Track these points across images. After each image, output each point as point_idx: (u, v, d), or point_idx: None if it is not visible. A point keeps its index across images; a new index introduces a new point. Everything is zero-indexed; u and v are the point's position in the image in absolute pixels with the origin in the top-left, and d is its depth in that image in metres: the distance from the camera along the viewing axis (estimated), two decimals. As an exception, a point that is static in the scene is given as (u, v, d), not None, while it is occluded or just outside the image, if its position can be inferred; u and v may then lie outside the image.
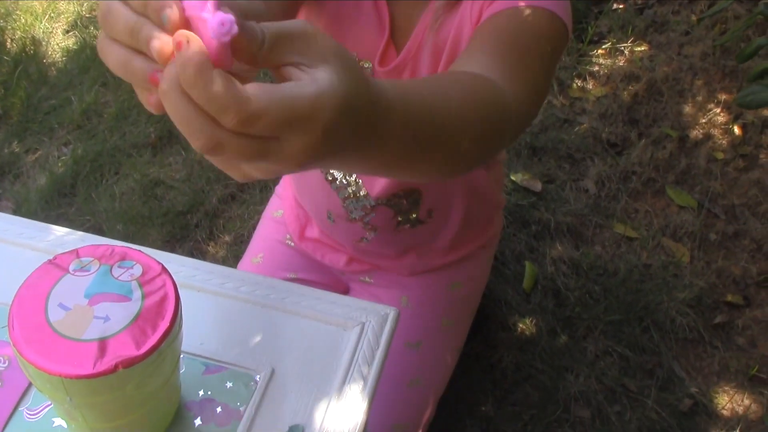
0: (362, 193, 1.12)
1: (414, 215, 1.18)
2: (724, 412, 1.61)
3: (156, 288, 0.60)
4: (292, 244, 1.35)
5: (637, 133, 2.20)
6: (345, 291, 1.39)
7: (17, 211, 1.93)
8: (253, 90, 0.40)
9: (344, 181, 1.13)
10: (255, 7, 0.67)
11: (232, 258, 1.87)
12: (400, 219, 1.18)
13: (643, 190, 2.06)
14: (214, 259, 1.88)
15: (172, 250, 1.88)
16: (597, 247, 1.94)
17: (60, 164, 2.08)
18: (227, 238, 1.93)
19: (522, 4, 0.80)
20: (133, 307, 0.58)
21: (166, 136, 2.13)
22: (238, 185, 2.04)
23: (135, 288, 0.60)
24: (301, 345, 0.79)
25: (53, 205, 1.98)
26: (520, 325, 1.76)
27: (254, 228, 1.91)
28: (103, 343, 0.55)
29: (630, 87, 2.32)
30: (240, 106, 0.39)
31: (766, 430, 1.57)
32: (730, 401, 1.63)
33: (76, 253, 0.62)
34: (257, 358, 0.77)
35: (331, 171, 1.13)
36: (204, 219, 1.96)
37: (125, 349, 0.55)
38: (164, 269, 0.62)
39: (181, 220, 1.94)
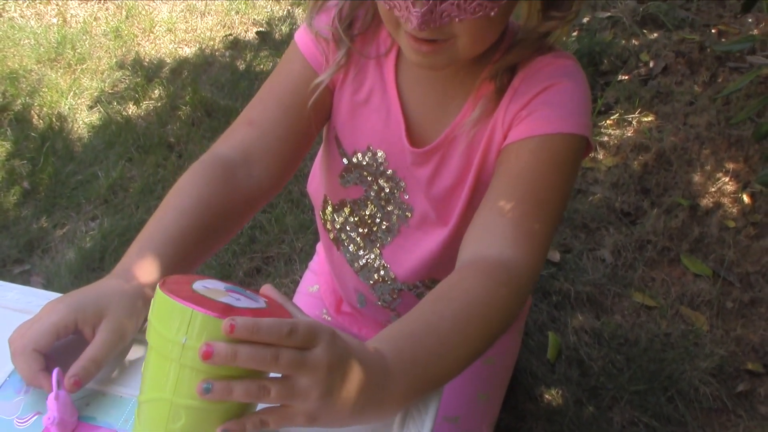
0: (391, 275, 1.13)
1: None
2: (753, 482, 1.63)
3: (279, 308, 0.66)
4: (329, 318, 1.36)
5: (649, 202, 2.26)
6: None
7: (48, 286, 1.96)
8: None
9: (373, 266, 1.14)
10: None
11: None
12: None
13: (659, 258, 2.11)
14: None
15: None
16: (617, 316, 1.97)
17: (88, 239, 2.12)
18: (254, 311, 1.95)
19: (548, 132, 0.85)
20: (260, 304, 0.64)
21: (192, 210, 2.17)
22: (263, 258, 2.08)
23: (260, 299, 0.66)
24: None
25: (82, 280, 2.01)
26: (547, 396, 1.78)
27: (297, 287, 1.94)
28: (231, 308, 0.60)
29: (640, 157, 2.38)
30: (284, 321, 0.59)
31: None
32: (757, 471, 1.65)
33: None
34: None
35: (360, 259, 1.15)
36: (231, 292, 1.98)
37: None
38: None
39: (210, 294, 1.96)
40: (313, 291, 1.42)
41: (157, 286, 0.62)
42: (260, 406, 0.64)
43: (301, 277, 1.49)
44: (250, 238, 2.15)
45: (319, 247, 1.43)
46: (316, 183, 1.16)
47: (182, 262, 0.83)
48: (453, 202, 0.99)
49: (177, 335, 0.58)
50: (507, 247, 0.81)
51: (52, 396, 0.72)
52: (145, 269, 0.80)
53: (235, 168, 0.91)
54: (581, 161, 0.91)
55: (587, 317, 1.96)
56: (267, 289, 0.70)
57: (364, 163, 1.02)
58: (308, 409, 0.62)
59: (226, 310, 0.60)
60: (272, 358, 0.58)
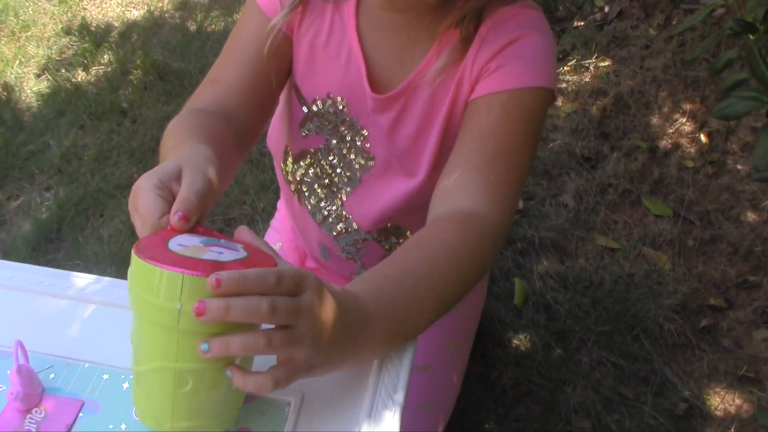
0: (354, 226, 1.13)
1: None
2: (718, 413, 1.67)
3: (262, 255, 0.64)
4: None
5: (609, 146, 2.27)
6: None
7: (6, 259, 1.91)
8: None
9: (335, 216, 1.14)
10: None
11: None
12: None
13: (620, 201, 2.13)
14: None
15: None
16: (581, 260, 1.99)
17: (44, 210, 2.07)
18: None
19: (518, 87, 0.86)
20: (241, 254, 0.62)
21: (149, 175, 2.13)
22: (224, 220, 2.06)
23: (239, 247, 0.64)
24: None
25: (41, 251, 1.97)
26: (515, 341, 1.80)
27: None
28: (219, 264, 0.58)
29: (598, 102, 2.39)
30: (269, 270, 0.57)
31: (759, 428, 1.63)
32: (722, 402, 1.68)
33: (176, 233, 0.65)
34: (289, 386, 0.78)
35: (322, 211, 1.14)
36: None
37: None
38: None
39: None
40: (276, 249, 1.41)
41: (133, 252, 0.59)
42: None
43: (263, 237, 1.47)
44: (210, 201, 2.11)
45: (281, 205, 1.42)
46: (276, 135, 1.14)
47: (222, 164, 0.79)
48: (417, 152, 0.98)
49: (170, 302, 0.56)
50: (479, 201, 0.81)
51: (14, 369, 0.70)
52: (199, 147, 0.76)
53: (217, 116, 0.90)
54: (547, 112, 0.91)
55: (552, 262, 1.97)
56: (242, 232, 0.68)
57: (324, 110, 1.00)
58: (307, 357, 0.61)
59: (215, 266, 0.58)
60: (269, 307, 0.56)
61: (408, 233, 1.12)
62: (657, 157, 2.23)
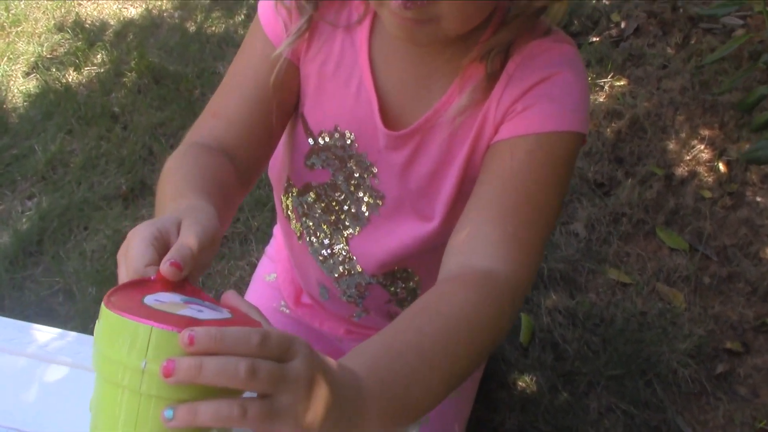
0: (358, 269, 1.04)
1: (405, 305, 1.10)
2: (734, 470, 1.57)
3: (246, 319, 0.59)
4: (288, 310, 1.26)
5: (623, 172, 2.16)
6: None
7: (-21, 274, 1.80)
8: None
9: (338, 257, 1.05)
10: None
11: (213, 319, 1.77)
12: (395, 306, 1.10)
13: (634, 232, 2.02)
14: (195, 320, 1.77)
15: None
16: (591, 294, 1.89)
17: (24, 220, 1.97)
18: (208, 297, 1.82)
19: (546, 131, 0.79)
20: (225, 315, 0.57)
21: (138, 187, 2.03)
22: (216, 238, 1.94)
23: (224, 310, 0.59)
24: None
25: (18, 266, 1.86)
26: (520, 383, 1.70)
27: (235, 285, 1.82)
28: (196, 321, 0.52)
29: (613, 124, 2.29)
30: (254, 330, 0.51)
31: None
32: (738, 457, 1.58)
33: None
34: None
35: (324, 250, 1.06)
36: (182, 277, 1.84)
37: None
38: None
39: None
40: (270, 280, 1.32)
41: (102, 303, 0.53)
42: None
43: (257, 260, 1.38)
44: (202, 217, 2.00)
45: (277, 231, 1.33)
46: (279, 165, 1.06)
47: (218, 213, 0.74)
48: (432, 194, 0.91)
49: (134, 359, 0.49)
50: (497, 259, 0.74)
51: None
52: (195, 199, 0.73)
53: (218, 152, 0.86)
54: (576, 159, 0.85)
55: (561, 296, 1.87)
56: (230, 296, 0.62)
57: (331, 144, 0.93)
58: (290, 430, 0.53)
59: (190, 323, 0.51)
60: (248, 369, 0.49)
61: (416, 278, 1.03)
62: (673, 186, 2.12)
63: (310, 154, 0.96)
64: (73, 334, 0.83)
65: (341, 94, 0.90)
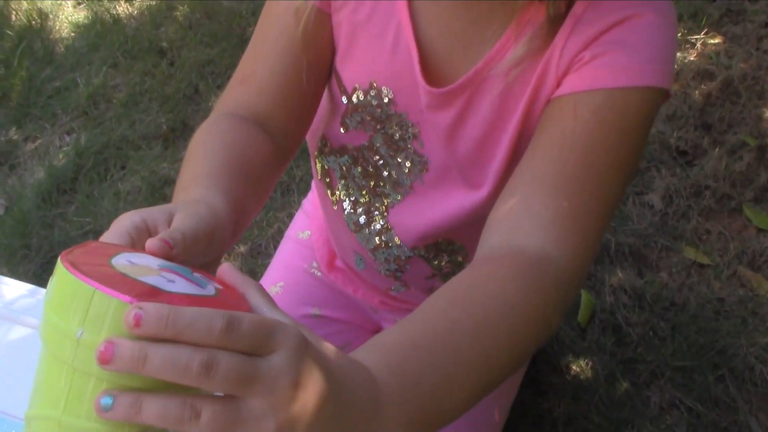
0: (396, 242, 0.93)
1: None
2: (813, 485, 1.38)
3: (236, 298, 0.49)
4: (319, 273, 1.15)
5: (710, 140, 1.94)
6: (377, 331, 1.20)
7: (10, 210, 1.73)
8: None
9: (374, 228, 0.94)
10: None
11: (247, 273, 1.66)
12: (440, 281, 0.98)
13: (717, 208, 1.81)
14: (227, 273, 1.67)
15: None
16: (663, 274, 1.70)
17: (61, 156, 1.89)
18: (242, 249, 1.72)
19: (620, 86, 0.67)
20: (204, 292, 0.47)
21: (180, 127, 1.92)
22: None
23: (210, 285, 0.49)
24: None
25: (51, 203, 1.78)
26: (574, 368, 1.54)
27: (273, 238, 1.70)
28: (157, 291, 0.44)
29: (703, 86, 2.06)
30: (220, 313, 0.41)
31: None
32: (819, 471, 1.40)
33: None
34: None
35: (359, 217, 0.95)
36: (217, 226, 1.74)
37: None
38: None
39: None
40: (303, 238, 1.20)
41: (60, 256, 0.45)
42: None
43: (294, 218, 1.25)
44: (244, 163, 1.89)
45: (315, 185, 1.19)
46: (314, 125, 0.95)
47: (238, 203, 0.67)
48: (484, 160, 0.80)
49: (69, 325, 0.41)
50: (548, 240, 0.64)
51: None
52: (207, 195, 0.64)
53: (249, 123, 0.78)
54: (654, 118, 0.72)
55: (628, 274, 1.69)
56: (226, 270, 0.52)
57: (366, 102, 0.82)
58: None
59: (149, 293, 0.43)
60: (203, 365, 0.39)
61: (464, 251, 0.93)
62: (766, 158, 1.89)
63: (345, 114, 0.85)
64: (44, 290, 0.72)
65: (376, 46, 0.79)
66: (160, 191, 1.78)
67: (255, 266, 1.67)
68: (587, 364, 1.54)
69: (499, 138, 0.77)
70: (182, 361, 0.39)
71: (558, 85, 0.71)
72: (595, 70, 0.68)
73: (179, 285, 0.47)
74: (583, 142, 0.67)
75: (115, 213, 1.74)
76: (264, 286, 1.23)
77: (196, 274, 0.51)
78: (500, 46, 0.72)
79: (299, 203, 1.77)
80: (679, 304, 1.63)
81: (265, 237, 1.74)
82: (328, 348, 0.48)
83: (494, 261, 0.64)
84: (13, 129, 1.96)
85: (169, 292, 0.44)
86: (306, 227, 1.20)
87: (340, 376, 0.46)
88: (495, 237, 0.67)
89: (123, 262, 0.47)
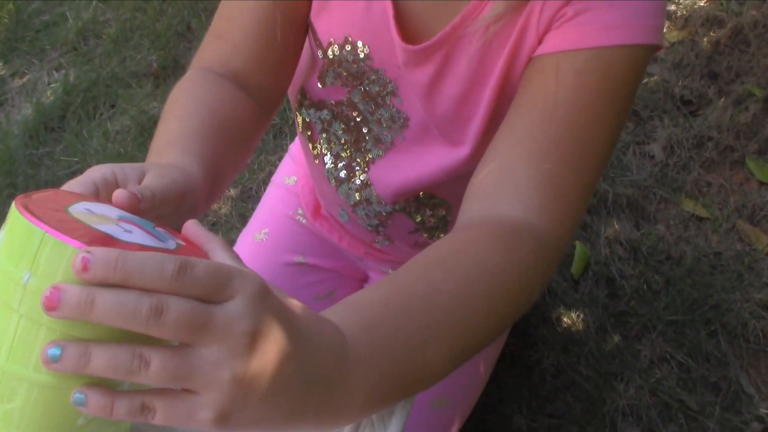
0: (375, 197, 0.91)
1: (441, 234, 0.94)
2: (800, 442, 1.37)
3: (197, 254, 0.48)
4: (304, 221, 1.13)
5: (716, 89, 1.88)
6: (363, 280, 1.18)
7: (-2, 147, 1.70)
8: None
9: (354, 183, 0.92)
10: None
11: (236, 217, 1.64)
12: (424, 235, 0.95)
13: (720, 159, 1.77)
14: (217, 217, 1.65)
15: (169, 204, 1.64)
16: (660, 226, 1.66)
17: (49, 93, 1.84)
18: (232, 193, 1.69)
19: (605, 45, 0.63)
20: (164, 245, 0.46)
21: (171, 65, 1.86)
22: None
23: (172, 240, 0.48)
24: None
25: (38, 141, 1.74)
26: (565, 320, 1.52)
27: (264, 182, 1.67)
28: (111, 239, 0.42)
29: (711, 33, 1.99)
30: (172, 257, 0.39)
31: None
32: (808, 428, 1.39)
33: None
34: None
35: (339, 172, 0.92)
36: (207, 168, 1.70)
37: None
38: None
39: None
40: (290, 184, 1.18)
41: (15, 199, 0.44)
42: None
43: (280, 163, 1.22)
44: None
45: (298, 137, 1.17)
46: (295, 76, 0.91)
47: (214, 175, 0.66)
48: (464, 118, 0.77)
49: (17, 268, 0.40)
50: (530, 208, 0.62)
51: None
52: (182, 160, 0.63)
53: (226, 81, 0.76)
54: (643, 75, 0.69)
55: (625, 225, 1.66)
56: (189, 226, 0.52)
57: (342, 58, 0.79)
58: (216, 400, 0.40)
59: (103, 241, 0.41)
60: (152, 309, 0.38)
61: (447, 205, 0.91)
62: (773, 110, 1.84)
63: (322, 69, 0.83)
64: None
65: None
66: (149, 131, 1.74)
67: (245, 210, 1.64)
68: (578, 316, 1.52)
69: (479, 96, 0.74)
70: (130, 305, 0.38)
71: (539, 42, 0.67)
72: (578, 28, 0.64)
73: (136, 236, 0.45)
74: (566, 105, 0.63)
75: (104, 153, 1.70)
76: (249, 233, 1.20)
77: (159, 229, 0.49)
78: (477, 2, 0.69)
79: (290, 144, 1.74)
80: (675, 257, 1.60)
81: (255, 181, 1.71)
82: (293, 302, 0.46)
83: (474, 228, 0.62)
84: (0, 64, 1.91)
85: (124, 242, 0.43)
86: (292, 173, 1.17)
87: (305, 330, 0.44)
88: (476, 206, 0.64)
89: (80, 210, 0.45)
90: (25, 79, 1.89)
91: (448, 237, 0.61)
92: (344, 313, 0.50)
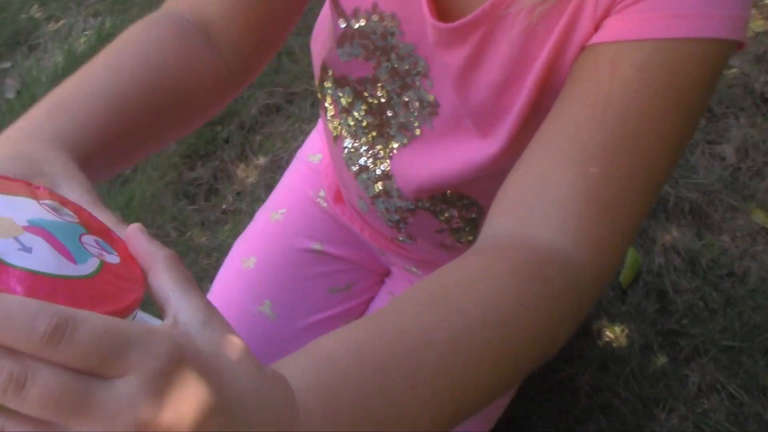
0: (396, 191, 0.83)
1: (470, 238, 0.84)
2: None
3: (126, 280, 0.39)
4: (325, 204, 1.05)
5: (802, 88, 1.72)
6: (384, 274, 1.09)
7: (21, 93, 1.63)
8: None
9: (374, 172, 0.83)
10: None
11: (263, 188, 1.55)
12: (451, 237, 0.87)
13: (799, 168, 1.61)
14: (242, 186, 1.56)
15: (193, 169, 1.56)
16: (725, 237, 1.52)
17: (83, 40, 1.78)
18: (261, 161, 1.60)
19: (673, 36, 0.54)
20: (72, 269, 0.37)
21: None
22: (285, 94, 1.68)
23: (96, 258, 0.39)
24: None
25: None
26: (607, 333, 1.40)
27: (295, 153, 1.57)
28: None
29: (803, 24, 1.81)
30: (50, 310, 0.31)
31: None
32: None
33: (61, 197, 0.45)
34: None
35: (359, 159, 0.84)
36: (237, 133, 1.62)
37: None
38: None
39: (208, 131, 1.61)
40: (314, 162, 1.09)
41: None
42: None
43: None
44: (275, 67, 1.74)
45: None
46: (319, 42, 0.84)
47: (115, 141, 0.57)
48: (500, 109, 0.69)
49: None
50: (568, 230, 0.53)
51: None
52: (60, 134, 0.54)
53: (191, 31, 0.66)
54: (720, 76, 0.58)
55: (684, 233, 1.52)
56: (130, 235, 0.43)
57: (368, 29, 0.71)
58: None
59: None
60: (10, 379, 0.30)
61: (478, 206, 0.82)
62: None
63: (344, 39, 0.74)
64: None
65: None
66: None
67: (273, 182, 1.55)
68: (622, 330, 1.40)
69: (519, 86, 0.65)
70: None
71: (596, 28, 0.58)
72: (643, 14, 0.55)
73: (36, 255, 0.36)
74: (621, 105, 0.54)
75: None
76: (265, 211, 1.11)
77: (88, 238, 0.41)
78: None
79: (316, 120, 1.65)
80: (738, 274, 1.46)
81: (288, 150, 1.62)
82: (229, 358, 0.37)
83: (492, 252, 0.53)
84: (36, 6, 1.85)
85: (9, 266, 0.34)
86: (319, 150, 1.08)
87: (234, 408, 0.36)
88: (501, 221, 0.56)
89: None
90: (59, 24, 1.83)
91: (459, 262, 0.52)
92: (305, 361, 0.42)
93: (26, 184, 0.44)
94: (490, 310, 0.48)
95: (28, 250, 0.36)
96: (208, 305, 0.38)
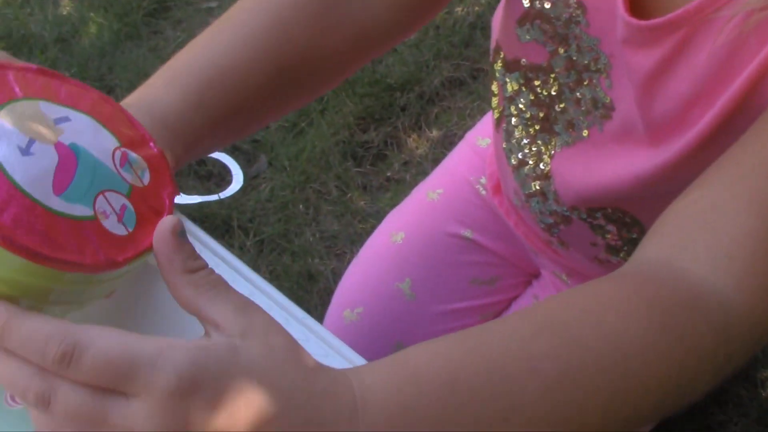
0: (553, 191, 0.78)
1: (626, 257, 0.79)
2: None
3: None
4: (484, 192, 1.01)
5: None
6: (534, 275, 1.05)
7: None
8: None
9: (533, 169, 0.79)
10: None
11: (431, 161, 1.53)
12: (605, 253, 0.82)
13: None
14: (411, 156, 1.55)
15: (365, 131, 1.56)
16: None
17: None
18: (434, 134, 1.58)
19: None
20: (60, 204, 0.38)
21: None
22: (472, 69, 1.64)
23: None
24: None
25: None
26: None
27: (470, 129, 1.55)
28: (34, 210, 0.37)
29: None
30: (59, 336, 0.34)
31: None
32: None
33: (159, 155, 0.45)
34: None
35: (518, 152, 0.80)
36: (415, 102, 1.60)
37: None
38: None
39: (387, 96, 1.60)
40: (482, 146, 1.06)
41: None
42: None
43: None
44: (466, 39, 1.70)
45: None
46: (497, 18, 0.80)
47: (230, 119, 0.59)
48: (683, 124, 0.62)
49: None
50: (731, 272, 0.47)
51: None
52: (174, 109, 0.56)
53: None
54: None
55: None
56: (163, 234, 0.41)
57: (553, 13, 0.66)
58: None
59: (23, 209, 0.36)
60: (38, 398, 0.35)
61: (641, 225, 0.75)
62: None
63: (525, 19, 0.69)
64: None
65: None
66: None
67: (442, 156, 1.53)
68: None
69: (712, 101, 0.58)
70: (20, 384, 0.35)
71: None
72: None
73: (33, 160, 0.37)
74: None
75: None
76: (423, 188, 1.10)
77: (112, 195, 0.40)
78: None
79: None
80: None
81: (464, 127, 1.58)
82: (278, 364, 0.37)
83: (631, 281, 0.47)
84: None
85: (51, 211, 0.36)
86: (489, 134, 1.04)
87: (283, 416, 0.36)
88: (654, 248, 0.50)
89: (26, 111, 0.38)
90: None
91: (592, 286, 0.47)
92: (389, 374, 0.39)
93: (136, 128, 0.44)
94: (611, 346, 0.43)
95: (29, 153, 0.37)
96: (245, 309, 0.38)
